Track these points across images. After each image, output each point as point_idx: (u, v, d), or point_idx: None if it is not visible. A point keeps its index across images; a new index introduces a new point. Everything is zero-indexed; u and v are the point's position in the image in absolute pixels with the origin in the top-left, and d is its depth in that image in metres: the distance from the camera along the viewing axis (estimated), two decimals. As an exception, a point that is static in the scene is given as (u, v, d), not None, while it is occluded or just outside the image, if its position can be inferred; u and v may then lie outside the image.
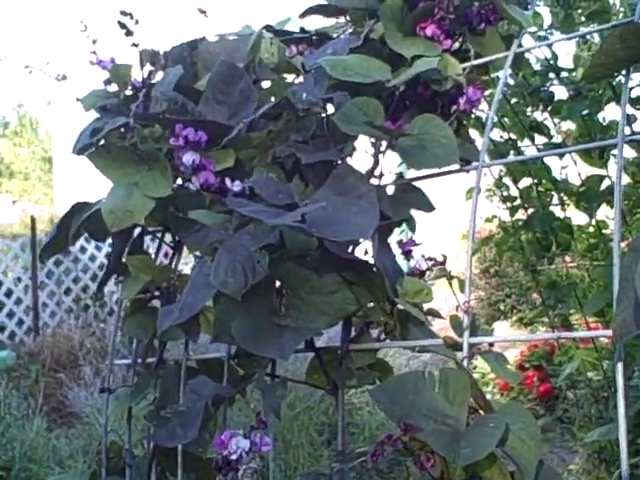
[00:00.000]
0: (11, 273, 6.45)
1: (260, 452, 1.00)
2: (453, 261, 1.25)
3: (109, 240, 1.35)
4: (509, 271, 7.30)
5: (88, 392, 4.28)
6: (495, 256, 6.86)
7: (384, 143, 1.11)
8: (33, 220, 6.58)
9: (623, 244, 1.47)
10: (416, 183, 1.20)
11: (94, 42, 1.39)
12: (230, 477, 0.99)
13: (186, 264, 1.37)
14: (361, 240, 1.12)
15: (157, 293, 1.28)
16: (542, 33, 2.12)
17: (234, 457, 0.98)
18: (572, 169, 2.35)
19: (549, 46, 2.19)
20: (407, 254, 1.22)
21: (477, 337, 1.04)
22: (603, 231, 2.36)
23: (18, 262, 6.50)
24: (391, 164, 1.16)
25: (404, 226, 1.24)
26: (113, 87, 1.42)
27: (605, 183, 2.16)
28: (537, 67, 2.22)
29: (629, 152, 2.19)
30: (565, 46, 4.22)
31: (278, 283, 1.10)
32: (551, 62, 2.18)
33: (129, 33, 1.37)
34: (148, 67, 1.39)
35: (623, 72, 1.10)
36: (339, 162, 1.14)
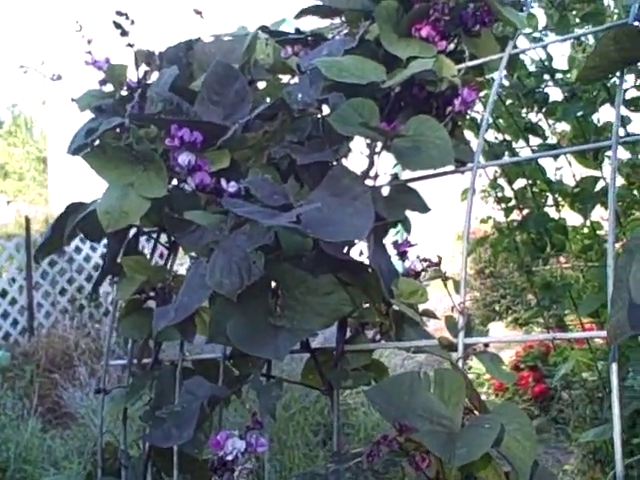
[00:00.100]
0: (5, 273, 6.43)
1: (256, 453, 1.01)
2: (448, 262, 1.25)
3: (104, 241, 1.36)
4: (504, 272, 7.31)
5: (83, 393, 4.27)
6: (490, 257, 6.88)
7: (379, 144, 1.11)
8: (28, 220, 6.57)
9: (617, 245, 1.48)
10: (411, 184, 1.20)
11: (89, 42, 1.39)
12: (226, 478, 0.99)
13: (181, 265, 1.37)
14: (356, 241, 1.12)
15: (152, 294, 1.27)
16: (537, 35, 2.13)
17: (230, 458, 0.99)
18: (567, 170, 2.35)
19: (544, 48, 2.20)
20: (402, 255, 1.22)
21: (472, 338, 1.05)
22: (597, 232, 2.37)
23: (13, 262, 6.47)
24: (386, 165, 1.16)
25: (399, 227, 1.24)
26: (108, 87, 1.42)
27: (599, 184, 2.17)
28: (532, 68, 2.23)
29: (623, 153, 2.20)
30: (560, 48, 4.21)
31: (274, 284, 1.10)
32: (546, 63, 2.19)
33: (124, 33, 1.37)
34: (143, 67, 1.39)
35: (617, 74, 1.11)
36: (334, 163, 1.14)
